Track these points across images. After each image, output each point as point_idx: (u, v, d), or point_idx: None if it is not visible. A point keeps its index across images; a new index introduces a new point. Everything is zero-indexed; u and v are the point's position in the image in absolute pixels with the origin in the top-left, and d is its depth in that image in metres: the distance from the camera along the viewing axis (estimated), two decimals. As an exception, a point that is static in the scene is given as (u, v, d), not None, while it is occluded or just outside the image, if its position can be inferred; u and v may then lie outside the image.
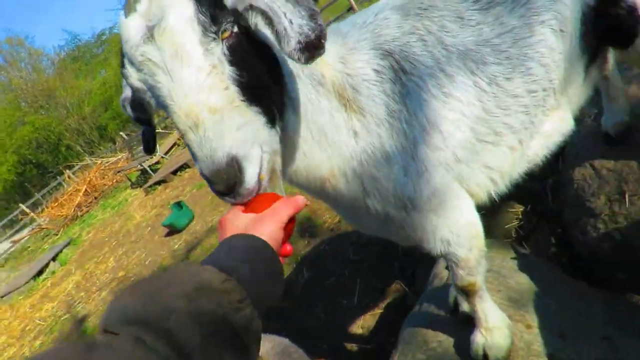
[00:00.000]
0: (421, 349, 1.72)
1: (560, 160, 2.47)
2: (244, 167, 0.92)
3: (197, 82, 0.92)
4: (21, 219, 23.02)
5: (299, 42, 0.93)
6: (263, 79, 1.05)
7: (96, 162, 18.95)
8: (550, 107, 1.48)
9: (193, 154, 0.95)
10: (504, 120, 1.39)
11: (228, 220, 0.93)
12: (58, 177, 26.61)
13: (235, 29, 0.99)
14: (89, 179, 16.63)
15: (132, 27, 0.94)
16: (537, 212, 2.52)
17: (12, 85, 34.30)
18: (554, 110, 1.50)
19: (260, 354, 1.83)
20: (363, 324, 2.98)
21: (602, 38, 1.56)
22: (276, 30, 0.95)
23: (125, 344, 0.58)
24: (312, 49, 0.93)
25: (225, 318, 0.68)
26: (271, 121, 1.03)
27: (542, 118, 1.47)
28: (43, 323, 7.51)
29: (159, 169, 12.74)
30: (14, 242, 19.11)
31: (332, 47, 1.34)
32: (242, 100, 0.96)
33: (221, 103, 0.92)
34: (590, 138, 2.20)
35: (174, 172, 10.75)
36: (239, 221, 0.91)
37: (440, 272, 2.19)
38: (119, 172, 15.45)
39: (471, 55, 1.35)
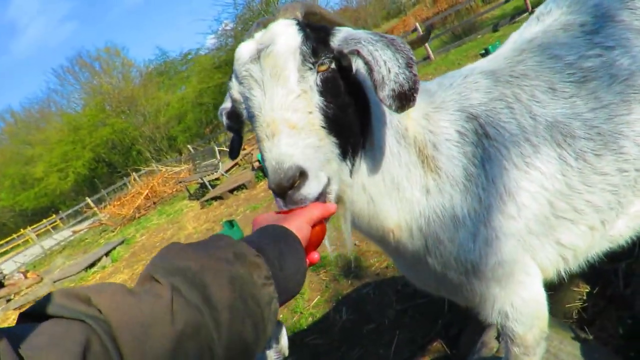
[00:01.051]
0: (460, 420, 1.60)
1: (638, 243, 2.29)
2: (307, 177, 0.98)
3: (285, 101, 1.02)
4: (85, 212, 24.57)
5: (393, 90, 0.98)
6: (348, 115, 1.11)
7: (161, 170, 19.93)
8: None
9: (263, 159, 1.02)
10: (587, 197, 1.32)
11: (260, 217, 0.99)
12: (124, 177, 28.33)
13: (333, 65, 1.08)
14: (152, 184, 17.45)
15: (245, 49, 1.10)
16: (605, 296, 2.33)
17: (101, 90, 37.33)
18: None
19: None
20: (397, 379, 2.85)
21: None
22: (374, 78, 1.00)
23: (163, 290, 0.65)
24: (403, 98, 0.99)
25: (254, 287, 0.73)
26: (346, 155, 1.09)
27: (631, 199, 1.38)
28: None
29: (217, 185, 13.18)
30: (75, 232, 20.31)
31: (418, 103, 1.35)
32: (322, 127, 1.03)
33: (302, 123, 1.01)
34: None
35: (231, 191, 11.06)
36: (270, 217, 0.97)
37: (490, 342, 2.06)
38: (180, 182, 16.12)
39: (560, 127, 1.31)
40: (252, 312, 0.72)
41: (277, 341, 1.57)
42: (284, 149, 0.97)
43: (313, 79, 1.05)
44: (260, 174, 11.10)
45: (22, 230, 28.66)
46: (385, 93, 0.98)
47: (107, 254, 11.35)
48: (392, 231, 1.31)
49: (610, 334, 2.14)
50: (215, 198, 11.39)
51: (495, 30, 14.20)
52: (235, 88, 1.14)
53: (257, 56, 1.06)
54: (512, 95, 1.34)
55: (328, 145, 1.04)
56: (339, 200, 1.11)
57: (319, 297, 4.18)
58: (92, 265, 11.00)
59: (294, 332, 3.85)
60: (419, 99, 1.34)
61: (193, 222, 10.53)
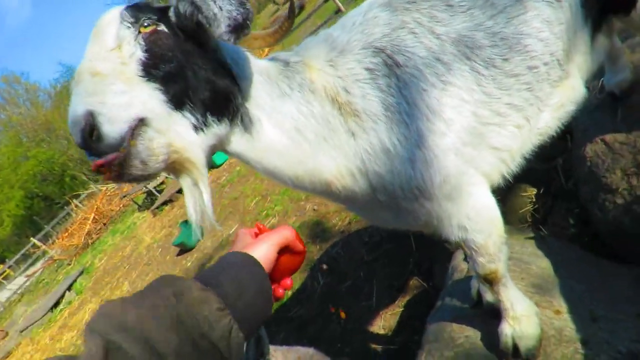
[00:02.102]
0: (448, 346, 1.66)
1: (569, 138, 2.42)
2: (99, 123, 0.97)
3: (96, 53, 1.06)
4: (33, 253, 23.18)
5: (229, 26, 1.05)
6: (185, 74, 1.13)
7: (101, 189, 19.02)
8: (558, 78, 1.45)
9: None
10: (506, 100, 1.37)
11: (239, 234, 1.01)
12: (66, 207, 26.79)
13: (162, 28, 1.13)
14: (96, 206, 16.70)
15: None
16: (551, 194, 2.46)
17: (11, 122, 34.73)
18: (563, 80, 1.47)
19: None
20: (384, 325, 2.93)
21: (604, 5, 1.52)
22: (206, 16, 1.06)
23: (99, 352, 0.62)
24: (240, 29, 1.06)
25: (203, 325, 0.71)
26: (181, 106, 1.10)
27: (549, 90, 1.44)
28: (64, 353, 7.48)
29: (164, 189, 12.74)
30: (28, 276, 19.20)
31: (320, 52, 1.37)
32: (139, 76, 1.05)
33: (107, 71, 1.02)
34: (598, 112, 2.14)
35: (179, 191, 10.73)
36: (240, 242, 0.98)
37: (459, 265, 2.14)
38: (124, 196, 15.49)
39: (465, 41, 1.34)
40: (206, 350, 0.70)
41: (262, 354, 1.55)
42: (78, 97, 0.99)
43: (132, 36, 1.09)
44: (205, 166, 10.81)
45: (-30, 290, 26.68)
46: (222, 29, 1.04)
47: (69, 288, 10.85)
48: (332, 181, 1.32)
49: (563, 227, 2.27)
50: (165, 203, 11.05)
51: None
52: None
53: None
54: (412, 20, 1.35)
55: (144, 90, 1.05)
56: (178, 161, 1.10)
57: (292, 269, 4.18)
58: (57, 303, 10.49)
59: (275, 310, 3.85)
60: (317, 48, 1.34)
61: (150, 233, 10.19)
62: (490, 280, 1.45)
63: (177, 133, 1.08)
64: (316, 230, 4.41)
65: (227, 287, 0.78)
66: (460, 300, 1.86)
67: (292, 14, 1.33)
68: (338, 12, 15.43)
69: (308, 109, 1.27)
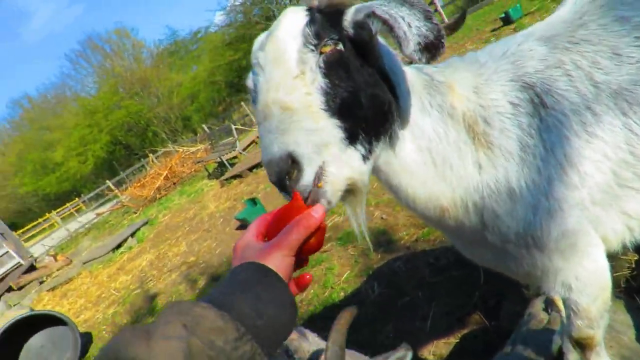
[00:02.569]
0: (515, 394, 1.59)
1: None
2: (300, 164, 0.95)
3: (280, 82, 1.00)
4: (106, 194, 25.02)
5: (419, 44, 0.95)
6: (361, 97, 1.06)
7: (178, 150, 20.08)
8: None
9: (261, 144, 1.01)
10: None
11: (240, 248, 0.90)
12: (142, 159, 28.64)
13: (341, 47, 1.05)
14: (170, 165, 17.62)
15: (258, 39, 1.12)
16: (653, 264, 2.27)
17: (114, 72, 37.53)
18: None
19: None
20: (435, 351, 2.85)
21: None
22: (397, 35, 0.96)
23: None
24: (432, 48, 0.95)
25: (221, 357, 0.65)
26: (354, 140, 1.05)
27: None
28: (117, 293, 8.03)
29: (236, 163, 13.22)
30: (98, 214, 20.76)
31: (466, 76, 1.32)
32: (322, 109, 1.00)
33: (296, 105, 0.98)
34: None
35: (250, 169, 11.09)
36: (249, 250, 0.88)
37: (538, 314, 2.02)
38: (198, 162, 16.22)
39: (625, 95, 1.22)
40: None
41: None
42: (273, 136, 0.96)
43: (315, 60, 1.03)
44: (279, 150, 11.06)
45: (47, 214, 29.36)
46: (411, 48, 0.95)
47: (132, 235, 11.58)
48: (447, 209, 1.28)
49: (662, 303, 2.08)
50: (234, 176, 11.44)
51: (514, -8, 13.65)
52: (250, 77, 1.16)
53: (264, 43, 1.07)
54: (570, 62, 1.26)
55: (328, 128, 1.00)
56: (348, 190, 1.06)
57: (349, 272, 4.18)
58: (119, 246, 11.24)
59: (325, 306, 3.88)
60: (464, 72, 1.29)
61: (214, 201, 10.62)
62: (583, 345, 1.37)
63: (352, 168, 1.04)
64: (381, 239, 4.37)
65: (245, 306, 0.72)
66: (535, 351, 1.76)
67: (457, 26, 1.30)
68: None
69: (443, 132, 1.23)
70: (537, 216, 1.21)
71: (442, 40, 0.95)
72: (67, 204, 30.79)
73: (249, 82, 1.17)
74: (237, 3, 28.43)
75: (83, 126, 36.62)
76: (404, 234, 4.26)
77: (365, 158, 1.08)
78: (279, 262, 0.81)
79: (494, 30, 10.44)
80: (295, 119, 0.97)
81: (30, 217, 39.46)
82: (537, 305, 2.09)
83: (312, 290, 4.21)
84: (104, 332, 6.61)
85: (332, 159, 1.00)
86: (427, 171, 1.23)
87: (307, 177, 0.95)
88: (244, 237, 0.91)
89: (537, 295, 2.16)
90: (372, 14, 1.00)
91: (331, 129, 1.00)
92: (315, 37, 1.03)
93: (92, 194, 28.17)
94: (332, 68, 1.04)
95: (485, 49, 1.42)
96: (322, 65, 1.03)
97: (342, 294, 3.93)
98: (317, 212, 0.88)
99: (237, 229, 7.54)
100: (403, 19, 0.96)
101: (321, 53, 1.04)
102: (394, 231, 4.38)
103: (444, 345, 2.85)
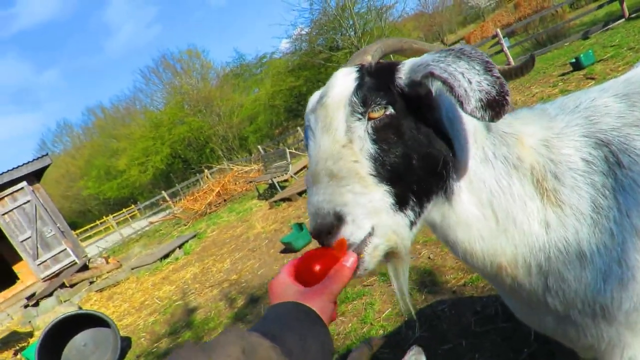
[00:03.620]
0: None
1: None
2: (344, 219, 0.93)
3: (329, 150, 1.01)
4: (161, 204, 26.10)
5: (480, 100, 0.90)
6: (411, 162, 1.03)
7: (232, 168, 20.68)
8: None
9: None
10: None
11: (278, 286, 0.91)
12: (198, 174, 29.73)
13: (390, 111, 1.03)
14: (223, 182, 18.13)
15: (312, 97, 1.16)
16: None
17: (182, 90, 39.66)
18: None
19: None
20: (475, 408, 2.68)
21: None
22: (457, 95, 0.91)
23: None
24: (495, 105, 0.89)
25: None
26: (404, 206, 1.02)
27: None
28: (159, 302, 8.24)
29: (287, 186, 13.41)
30: (151, 222, 21.59)
31: (535, 129, 1.24)
32: (371, 175, 0.98)
33: (344, 173, 0.97)
34: None
35: (300, 193, 11.19)
36: (290, 289, 0.89)
37: (595, 383, 1.86)
38: (250, 182, 16.59)
39: None
40: None
41: None
42: (322, 196, 0.95)
43: (362, 127, 1.02)
44: (329, 178, 11.12)
45: (104, 217, 31.00)
46: (472, 105, 0.90)
47: (180, 247, 11.92)
48: (505, 268, 1.20)
49: None
50: (284, 199, 11.59)
51: (585, 37, 13.21)
52: (305, 135, 1.19)
53: (315, 106, 1.09)
54: None
55: (377, 193, 0.98)
56: (390, 254, 1.02)
57: (390, 309, 4.07)
58: (166, 256, 11.60)
59: (360, 341, 3.77)
60: (534, 125, 1.23)
61: (262, 222, 10.77)
62: None
63: (397, 235, 1.00)
64: (425, 280, 4.23)
65: (291, 344, 0.74)
66: None
67: (525, 70, 1.25)
68: (506, 67, 14.83)
69: (507, 184, 1.16)
70: (607, 284, 1.12)
71: (506, 97, 0.90)
72: (124, 210, 32.42)
73: (306, 139, 1.19)
74: (302, 32, 29.40)
75: (147, 138, 38.66)
76: (450, 277, 4.10)
77: (412, 224, 1.05)
78: (321, 306, 0.83)
79: (562, 75, 10.10)
80: (344, 184, 0.96)
81: (89, 218, 41.90)
82: (595, 373, 1.92)
83: (350, 324, 4.12)
84: (142, 339, 6.77)
85: (379, 226, 0.97)
86: (487, 226, 1.16)
87: (346, 232, 0.93)
88: (279, 277, 0.93)
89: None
90: (430, 75, 0.97)
91: (380, 195, 0.98)
92: (362, 104, 1.02)
93: (147, 202, 29.46)
94: (381, 133, 1.02)
95: (556, 102, 1.36)
96: (370, 131, 1.02)
97: (380, 331, 3.82)
98: (348, 262, 0.91)
99: (282, 252, 7.57)
100: (462, 75, 0.92)
101: (370, 119, 1.02)
102: (441, 273, 4.23)
103: (486, 401, 2.68)
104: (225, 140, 38.02)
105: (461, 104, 0.91)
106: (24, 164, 13.71)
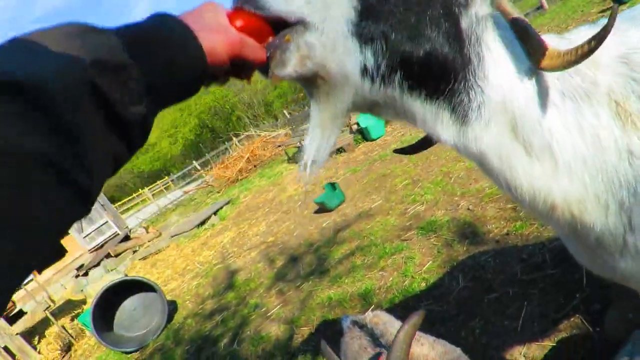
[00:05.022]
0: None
1: None
2: None
3: None
4: (193, 174, 26.64)
5: None
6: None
7: (260, 135, 20.72)
8: None
9: None
10: None
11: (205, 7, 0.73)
12: (226, 142, 29.99)
13: None
14: (252, 148, 18.23)
15: None
16: None
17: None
18: None
19: (433, 356, 1.70)
20: (527, 353, 2.64)
21: None
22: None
23: None
24: None
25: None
26: (365, 37, 0.84)
27: None
28: (200, 267, 8.50)
29: (315, 148, 13.32)
30: (185, 192, 22.14)
31: (607, 45, 1.05)
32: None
33: None
34: None
35: (330, 154, 11.12)
36: (211, 17, 0.72)
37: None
38: (279, 146, 16.62)
39: None
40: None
41: None
42: None
43: None
44: (359, 137, 11.00)
45: (140, 190, 31.97)
46: None
47: (215, 213, 12.17)
48: (562, 207, 1.05)
49: None
50: (313, 161, 11.54)
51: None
52: None
53: None
54: None
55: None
56: (321, 80, 0.85)
57: (431, 262, 4.02)
58: (203, 223, 11.87)
59: (405, 296, 3.77)
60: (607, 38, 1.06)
61: (293, 185, 10.82)
62: None
63: (338, 64, 0.84)
64: (466, 231, 4.14)
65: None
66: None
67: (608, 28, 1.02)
68: (539, 8, 14.06)
69: (577, 122, 1.00)
70: None
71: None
72: (158, 182, 33.27)
73: None
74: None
75: (175, 109, 39.12)
76: (492, 226, 3.99)
77: (367, 72, 0.87)
78: (212, 46, 0.67)
79: (602, 11, 9.44)
80: None
81: (126, 191, 43.32)
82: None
83: (390, 278, 4.11)
84: (187, 301, 7.02)
85: (319, 25, 0.79)
86: (551, 163, 1.00)
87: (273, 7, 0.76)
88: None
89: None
90: None
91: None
92: None
93: (180, 173, 30.14)
94: None
95: (624, 13, 1.20)
96: None
97: (423, 284, 3.79)
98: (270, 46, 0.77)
99: (315, 212, 7.60)
100: None
101: None
102: (482, 223, 4.13)
103: (537, 347, 2.63)
104: (250, 107, 38.05)
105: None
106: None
